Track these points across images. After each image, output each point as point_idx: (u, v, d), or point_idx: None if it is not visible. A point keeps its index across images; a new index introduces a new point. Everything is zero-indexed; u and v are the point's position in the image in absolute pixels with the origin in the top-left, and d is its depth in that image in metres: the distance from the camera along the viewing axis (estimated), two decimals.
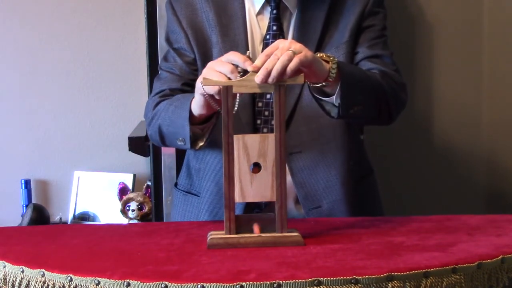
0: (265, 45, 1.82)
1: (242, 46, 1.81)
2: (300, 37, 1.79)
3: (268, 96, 1.81)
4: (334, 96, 1.64)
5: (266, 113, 1.82)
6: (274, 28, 1.82)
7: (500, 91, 2.57)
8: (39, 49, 2.67)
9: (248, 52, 1.57)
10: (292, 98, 1.81)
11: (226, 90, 1.49)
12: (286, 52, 1.49)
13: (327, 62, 1.60)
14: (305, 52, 1.51)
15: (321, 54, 1.60)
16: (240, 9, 1.84)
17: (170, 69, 1.87)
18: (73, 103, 2.70)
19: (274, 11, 1.82)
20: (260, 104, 1.82)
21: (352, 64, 1.81)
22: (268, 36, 1.82)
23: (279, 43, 1.53)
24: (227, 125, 1.49)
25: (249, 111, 1.81)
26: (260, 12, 1.84)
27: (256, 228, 1.49)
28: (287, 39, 1.80)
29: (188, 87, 1.83)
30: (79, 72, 2.69)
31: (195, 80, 1.75)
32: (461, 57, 2.56)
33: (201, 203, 1.86)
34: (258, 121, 1.82)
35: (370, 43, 1.84)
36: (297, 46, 1.52)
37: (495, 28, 2.54)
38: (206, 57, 1.83)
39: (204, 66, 1.77)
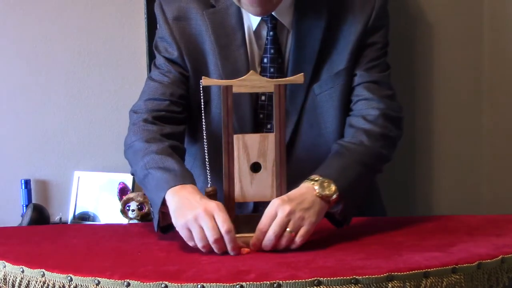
0: (263, 69, 1.76)
1: (243, 71, 1.70)
2: (297, 58, 1.75)
3: (270, 108, 1.76)
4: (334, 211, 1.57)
5: (269, 126, 1.78)
6: (272, 51, 1.76)
7: (501, 91, 2.57)
8: (38, 49, 2.66)
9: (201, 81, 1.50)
10: (289, 126, 1.75)
11: (226, 90, 1.49)
12: (284, 236, 1.44)
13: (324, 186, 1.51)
14: (306, 226, 1.45)
15: (317, 177, 1.52)
16: (239, 28, 1.76)
17: (161, 79, 1.80)
18: (73, 103, 2.69)
19: (271, 33, 1.76)
20: (261, 116, 1.79)
21: (348, 169, 1.59)
22: (265, 60, 1.76)
23: (277, 209, 1.45)
24: (227, 125, 1.49)
25: (250, 125, 1.77)
26: (257, 29, 1.77)
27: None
28: (285, 60, 1.76)
29: (174, 105, 1.77)
30: (79, 72, 2.68)
31: (182, 97, 1.76)
32: (461, 57, 2.55)
33: None
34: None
35: (368, 65, 1.77)
36: (296, 217, 1.45)
37: (495, 28, 2.54)
38: (198, 72, 1.76)
39: (196, 80, 1.75)
